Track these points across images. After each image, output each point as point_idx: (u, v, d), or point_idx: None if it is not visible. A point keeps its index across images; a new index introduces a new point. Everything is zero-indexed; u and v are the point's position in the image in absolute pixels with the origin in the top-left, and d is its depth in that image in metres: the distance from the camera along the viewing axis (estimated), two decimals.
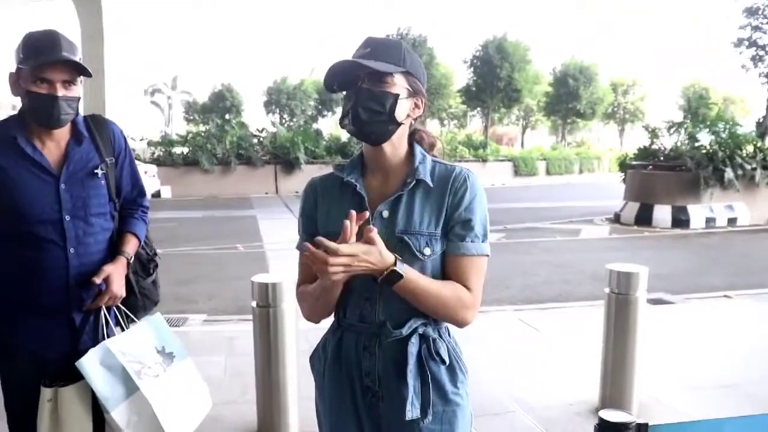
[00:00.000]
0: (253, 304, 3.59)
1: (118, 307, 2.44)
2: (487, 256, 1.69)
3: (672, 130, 16.12)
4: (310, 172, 24.20)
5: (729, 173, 14.31)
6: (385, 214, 1.67)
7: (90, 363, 2.18)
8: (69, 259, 2.28)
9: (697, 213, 14.38)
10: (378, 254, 1.52)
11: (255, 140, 26.21)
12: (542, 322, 6.31)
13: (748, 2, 18.38)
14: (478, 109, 38.65)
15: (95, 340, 2.34)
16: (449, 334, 1.76)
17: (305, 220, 1.80)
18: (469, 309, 1.65)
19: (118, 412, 2.18)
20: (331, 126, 42.31)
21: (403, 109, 1.67)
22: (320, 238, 1.47)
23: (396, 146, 1.72)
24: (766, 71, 18.43)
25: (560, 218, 15.89)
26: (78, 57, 2.19)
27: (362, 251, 1.50)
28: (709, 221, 14.38)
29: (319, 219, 1.76)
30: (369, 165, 1.76)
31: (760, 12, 18.26)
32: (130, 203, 2.53)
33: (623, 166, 16.98)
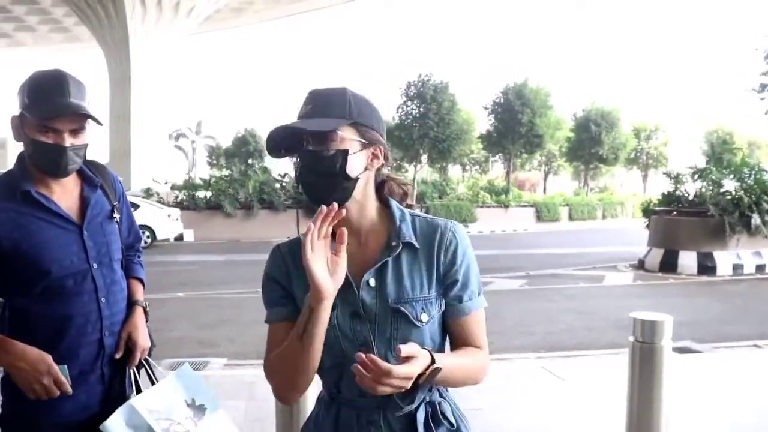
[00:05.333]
0: None
1: (146, 359, 2.31)
2: (485, 306, 1.62)
3: (696, 176, 16.01)
4: None
5: (756, 219, 14.13)
6: (372, 282, 1.52)
7: (115, 425, 2.03)
8: (101, 310, 2.15)
9: (723, 259, 14.17)
10: (419, 362, 1.36)
11: (277, 185, 26.46)
12: (565, 370, 6.21)
13: None
14: (500, 154, 38.76)
15: (123, 397, 2.21)
16: (447, 390, 1.64)
17: (273, 284, 1.61)
18: (486, 368, 1.60)
19: None
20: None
21: (357, 164, 1.51)
22: (373, 358, 1.30)
23: (363, 204, 1.56)
24: None
25: (583, 264, 15.75)
26: (87, 101, 2.07)
27: (412, 370, 1.34)
28: (737, 268, 14.15)
29: (296, 291, 1.56)
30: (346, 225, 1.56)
31: None
32: (128, 249, 2.41)
33: (647, 211, 16.84)
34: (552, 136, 35.95)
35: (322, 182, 1.50)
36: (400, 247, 1.53)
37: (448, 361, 1.46)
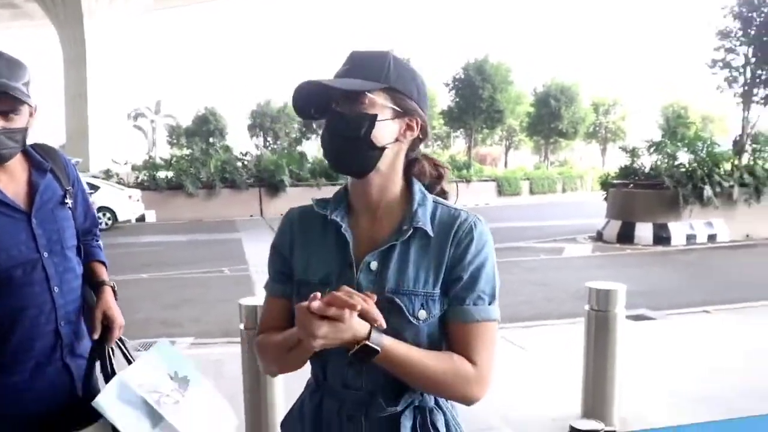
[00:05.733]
0: (241, 326, 3.64)
1: (120, 338, 2.26)
2: (496, 321, 1.40)
3: (652, 149, 16.38)
4: (294, 195, 24.35)
5: (708, 191, 14.54)
6: (374, 266, 1.39)
7: (107, 400, 1.95)
8: (55, 300, 2.04)
9: (677, 230, 14.59)
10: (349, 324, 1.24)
11: (239, 164, 26.30)
12: (526, 339, 6.40)
13: (721, 25, 18.77)
14: (461, 130, 39.00)
15: (91, 384, 2.15)
16: (448, 401, 1.49)
17: (276, 256, 1.54)
18: (473, 384, 1.36)
19: None
20: (315, 148, 42.49)
21: (386, 132, 1.37)
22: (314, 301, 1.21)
23: (387, 179, 1.43)
24: (739, 92, 18.75)
25: (543, 237, 16.05)
26: (22, 82, 1.93)
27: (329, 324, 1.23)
28: (690, 238, 14.59)
29: (296, 262, 1.48)
30: (354, 203, 1.47)
31: (732, 35, 18.64)
32: (86, 234, 2.32)
33: (605, 185, 17.21)
34: (512, 111, 36.32)
35: (345, 147, 1.38)
36: (410, 232, 1.39)
37: (401, 351, 1.31)
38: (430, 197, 1.46)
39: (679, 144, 16.17)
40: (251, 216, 23.66)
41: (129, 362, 2.16)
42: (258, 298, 3.76)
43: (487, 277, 1.40)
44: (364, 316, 1.26)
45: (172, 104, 59.94)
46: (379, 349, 1.28)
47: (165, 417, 2.02)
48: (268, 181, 24.77)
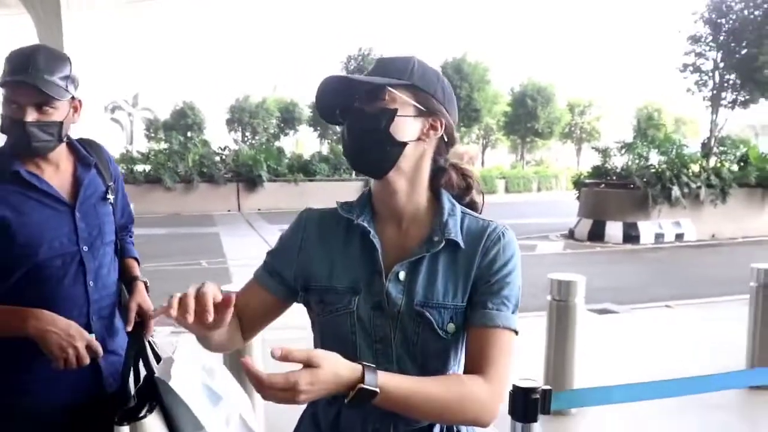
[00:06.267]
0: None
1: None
2: (515, 332, 1.33)
3: (623, 150, 16.80)
4: (272, 190, 24.50)
5: (676, 191, 14.98)
6: (402, 276, 1.34)
7: (182, 384, 1.89)
8: (89, 294, 2.06)
9: (646, 229, 15.02)
10: (331, 374, 1.12)
11: (217, 158, 26.31)
12: None
13: (692, 30, 19.26)
14: None
15: (118, 379, 2.10)
16: None
17: (278, 249, 1.48)
18: (486, 405, 1.27)
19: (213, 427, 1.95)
20: (293, 144, 42.58)
21: (407, 128, 1.33)
22: (246, 362, 1.09)
23: (412, 183, 1.38)
24: (708, 95, 19.24)
25: (517, 234, 15.85)
26: (60, 75, 1.96)
27: (305, 381, 1.10)
28: (658, 237, 15.02)
29: (311, 267, 1.40)
30: (378, 208, 1.42)
31: (702, 40, 19.13)
32: (121, 230, 2.33)
33: (577, 184, 17.59)
34: (490, 111, 36.69)
35: (364, 142, 1.34)
36: (442, 244, 1.34)
37: (402, 385, 1.20)
38: (458, 208, 1.41)
39: (649, 145, 16.61)
40: (229, 210, 23.73)
41: (155, 355, 2.13)
42: (237, 286, 3.95)
43: (513, 286, 1.35)
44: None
45: (150, 97, 59.65)
46: (377, 390, 1.16)
47: (223, 397, 1.99)
48: (245, 176, 24.84)
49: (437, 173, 1.43)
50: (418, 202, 1.40)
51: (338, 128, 1.42)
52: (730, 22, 18.63)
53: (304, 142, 45.38)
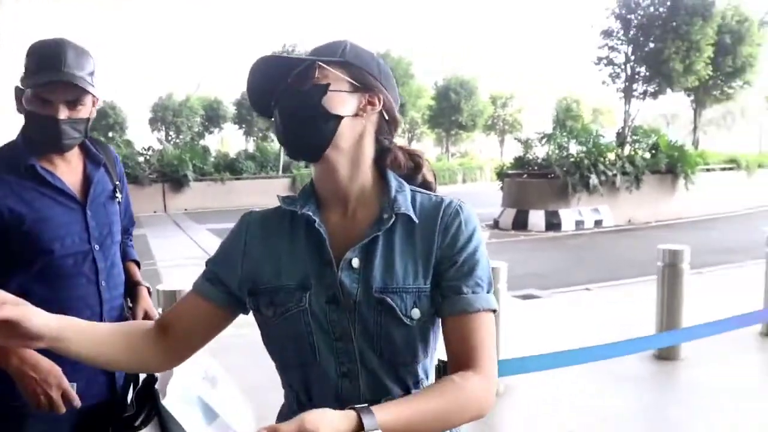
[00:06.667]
0: (159, 310, 3.92)
1: None
2: (495, 311, 1.24)
3: (543, 141, 17.43)
4: (198, 190, 24.27)
5: (594, 179, 15.66)
6: (356, 263, 1.23)
7: (173, 403, 1.88)
8: (101, 293, 2.02)
9: (567, 217, 15.65)
10: (327, 426, 1.01)
11: (141, 158, 25.86)
12: None
13: (604, 24, 20.08)
14: None
15: (127, 382, 2.09)
16: None
17: (219, 257, 1.36)
18: (484, 399, 1.19)
19: None
20: (218, 142, 42.05)
21: (342, 103, 1.24)
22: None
23: (354, 162, 1.28)
24: (621, 87, 20.10)
25: None
26: (88, 71, 1.94)
27: None
28: (579, 224, 15.69)
29: (257, 270, 1.30)
30: (323, 195, 1.32)
31: (614, 34, 19.96)
32: (123, 232, 2.26)
33: (501, 175, 18.12)
34: (414, 105, 37.05)
35: (296, 120, 1.25)
36: (393, 219, 1.24)
37: (402, 414, 1.10)
38: (407, 186, 1.31)
39: (568, 135, 17.28)
40: (155, 212, 23.38)
41: None
42: (175, 283, 4.04)
43: (483, 262, 1.25)
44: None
45: None
46: (379, 428, 1.06)
47: (220, 415, 1.98)
48: (171, 176, 24.51)
49: (382, 154, 1.33)
50: (362, 182, 1.29)
51: (270, 120, 1.33)
52: (639, 17, 19.52)
53: (230, 140, 44.88)
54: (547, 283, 8.82)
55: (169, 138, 38.79)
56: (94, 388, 1.99)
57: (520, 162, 17.67)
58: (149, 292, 2.27)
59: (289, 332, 1.25)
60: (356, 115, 1.26)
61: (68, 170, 2.03)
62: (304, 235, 1.29)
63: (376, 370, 1.24)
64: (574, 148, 17.28)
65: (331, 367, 1.24)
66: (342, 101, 1.25)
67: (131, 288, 2.24)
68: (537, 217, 15.71)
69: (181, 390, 1.90)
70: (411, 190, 1.31)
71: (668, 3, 19.08)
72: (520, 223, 15.77)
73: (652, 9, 19.50)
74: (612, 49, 20.13)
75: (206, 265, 1.38)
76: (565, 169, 15.86)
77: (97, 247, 2.02)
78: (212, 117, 37.05)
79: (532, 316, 7.00)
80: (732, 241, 12.77)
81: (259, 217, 1.37)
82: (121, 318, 2.11)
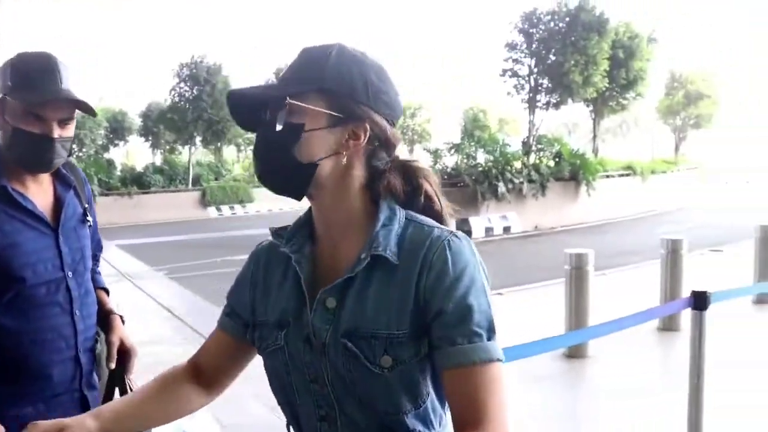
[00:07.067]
0: None
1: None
2: (500, 360, 1.08)
3: (452, 151, 17.93)
4: (105, 204, 23.54)
5: (501, 187, 16.25)
6: (330, 303, 1.13)
7: None
8: (76, 324, 1.86)
9: (477, 224, 16.14)
10: None
11: None
12: None
13: (509, 38, 20.89)
14: None
15: None
16: None
17: (233, 290, 1.34)
18: None
19: None
20: (123, 155, 40.87)
21: (317, 145, 1.11)
22: None
23: (339, 195, 1.16)
24: (526, 98, 20.93)
25: None
26: (75, 87, 1.81)
27: None
28: (488, 230, 16.22)
29: (257, 303, 1.26)
30: (316, 225, 1.22)
31: (517, 47, 20.78)
32: (92, 257, 2.12)
33: None
34: None
35: (268, 164, 1.16)
36: (367, 261, 1.11)
37: None
38: (401, 215, 1.16)
39: (476, 145, 17.85)
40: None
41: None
42: None
43: (479, 306, 1.08)
44: None
45: None
46: None
47: None
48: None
49: (374, 178, 1.17)
50: (350, 212, 1.16)
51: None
52: (540, 32, 20.42)
53: (136, 153, 43.73)
54: None
55: (72, 152, 37.53)
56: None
57: None
58: (123, 321, 2.10)
59: (272, 369, 1.21)
60: (337, 153, 1.13)
61: (39, 192, 1.89)
62: (292, 271, 1.20)
63: (356, 418, 1.14)
64: (482, 158, 17.88)
65: (311, 409, 1.18)
66: (319, 141, 1.12)
67: (104, 317, 2.07)
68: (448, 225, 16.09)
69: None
70: (406, 220, 1.15)
71: (567, 19, 20.07)
72: None
73: (552, 24, 20.44)
74: (516, 61, 20.94)
75: (226, 299, 1.35)
76: (473, 177, 16.39)
77: (70, 274, 1.87)
78: (117, 129, 35.95)
79: None
80: (629, 243, 13.51)
81: (267, 247, 1.30)
82: (94, 350, 1.95)
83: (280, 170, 1.14)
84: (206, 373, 1.33)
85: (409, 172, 1.20)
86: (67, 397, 1.85)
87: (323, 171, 1.12)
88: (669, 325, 6.36)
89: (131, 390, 1.92)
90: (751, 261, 7.74)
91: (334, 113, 1.11)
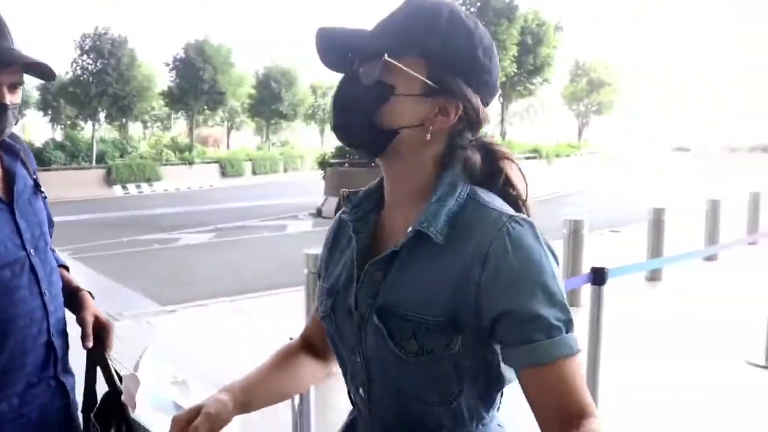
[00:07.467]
0: None
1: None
2: (579, 352, 0.99)
3: None
4: None
5: None
6: (376, 277, 1.08)
7: (146, 413, 1.63)
8: (46, 306, 1.68)
9: None
10: None
11: None
12: (255, 309, 7.08)
13: None
14: (182, 111, 38.36)
15: (82, 400, 1.81)
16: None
17: (321, 260, 1.28)
18: None
19: None
20: (20, 130, 38.84)
21: (404, 111, 1.04)
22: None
23: (412, 166, 1.09)
24: None
25: (267, 216, 16.81)
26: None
27: None
28: None
29: (325, 264, 1.25)
30: (386, 194, 1.15)
31: None
32: None
33: (323, 164, 18.43)
34: (234, 93, 36.47)
35: (347, 119, 1.09)
36: (411, 237, 1.04)
37: None
38: (462, 191, 1.06)
39: None
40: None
41: (116, 372, 1.82)
42: None
43: (551, 296, 0.98)
44: None
45: None
46: None
47: None
48: None
49: (452, 153, 1.09)
50: (417, 183, 1.09)
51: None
52: None
53: (33, 128, 41.77)
54: None
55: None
56: (50, 415, 1.72)
57: (341, 151, 18.06)
58: (92, 297, 1.91)
59: (327, 335, 1.21)
60: (421, 124, 1.05)
61: None
62: (349, 239, 1.17)
63: (385, 397, 1.11)
64: None
65: (353, 379, 1.16)
66: (406, 109, 1.04)
67: (72, 295, 1.87)
68: None
69: (152, 398, 1.68)
70: (468, 198, 1.06)
71: (478, 4, 20.39)
72: None
73: (464, 8, 20.65)
74: None
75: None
76: None
77: (32, 251, 1.67)
78: None
79: None
80: (535, 223, 13.90)
81: (343, 212, 1.22)
82: (66, 331, 1.77)
83: (358, 128, 1.07)
84: (317, 345, 1.31)
85: (490, 153, 1.12)
86: (42, 386, 1.69)
87: (402, 139, 1.05)
88: (570, 302, 6.49)
89: (115, 370, 1.78)
90: (645, 241, 8.15)
91: (430, 83, 1.03)
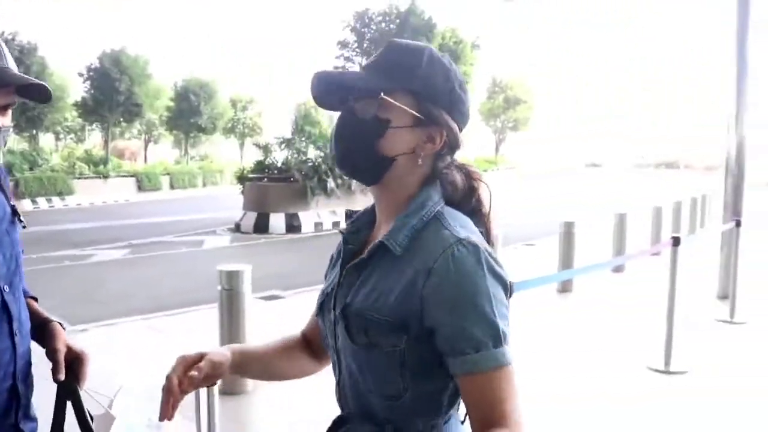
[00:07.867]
0: None
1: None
2: (509, 365, 1.11)
3: (282, 145, 17.94)
4: None
5: (331, 183, 16.51)
6: (349, 280, 1.23)
7: None
8: (16, 347, 1.53)
9: (307, 219, 16.30)
10: None
11: None
12: (170, 326, 6.94)
13: (341, 36, 21.27)
14: (97, 123, 37.28)
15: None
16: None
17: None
18: None
19: None
20: None
21: (399, 141, 1.18)
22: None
23: (403, 188, 1.22)
24: None
25: (185, 231, 16.49)
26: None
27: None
28: (317, 225, 16.42)
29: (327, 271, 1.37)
30: (377, 213, 1.29)
31: (349, 46, 21.20)
32: None
33: (241, 178, 18.27)
34: (152, 105, 35.78)
35: (349, 150, 1.21)
36: (376, 247, 1.19)
37: None
38: (430, 210, 1.19)
39: (307, 141, 17.96)
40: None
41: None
42: None
43: (482, 318, 1.09)
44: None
45: None
46: None
47: None
48: None
49: (436, 175, 1.23)
50: (401, 203, 1.22)
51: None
52: (372, 32, 20.95)
53: None
54: (289, 283, 9.12)
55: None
56: None
57: (260, 166, 18.00)
58: (63, 327, 1.71)
59: (320, 331, 1.35)
60: (413, 151, 1.20)
61: None
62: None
63: (349, 391, 1.25)
64: (313, 153, 17.99)
65: (334, 373, 1.30)
66: (400, 139, 1.19)
67: (41, 327, 1.68)
68: (278, 220, 16.14)
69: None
70: (434, 217, 1.18)
71: (398, 21, 20.73)
72: (262, 226, 16.05)
73: (383, 25, 21.08)
74: (348, 59, 21.34)
75: None
76: (303, 173, 16.51)
77: (6, 288, 1.51)
78: None
79: (276, 315, 7.26)
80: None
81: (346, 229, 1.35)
82: (30, 375, 1.63)
83: (361, 159, 1.20)
84: (313, 344, 1.44)
85: (466, 174, 1.27)
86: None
87: (398, 165, 1.19)
88: None
89: (88, 411, 1.61)
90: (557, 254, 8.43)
91: (419, 115, 1.18)
